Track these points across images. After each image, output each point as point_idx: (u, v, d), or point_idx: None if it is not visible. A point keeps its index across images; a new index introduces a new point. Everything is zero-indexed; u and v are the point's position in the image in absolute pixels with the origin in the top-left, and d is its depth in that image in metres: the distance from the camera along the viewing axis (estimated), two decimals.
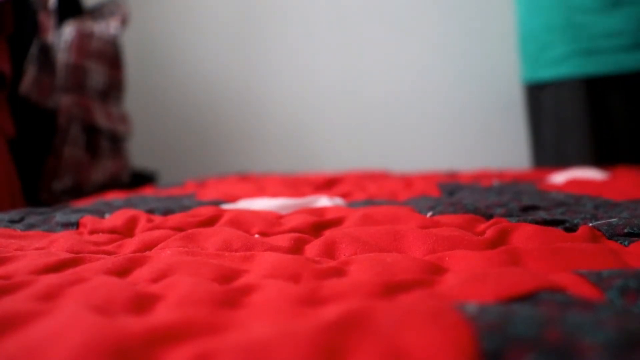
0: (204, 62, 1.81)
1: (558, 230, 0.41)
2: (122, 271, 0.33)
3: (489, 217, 0.51)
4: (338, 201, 0.66)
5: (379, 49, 1.72)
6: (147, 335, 0.20)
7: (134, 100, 1.81)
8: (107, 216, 0.56)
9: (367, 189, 0.81)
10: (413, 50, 1.70)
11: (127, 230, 0.50)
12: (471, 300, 0.25)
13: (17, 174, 1.07)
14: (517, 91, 1.62)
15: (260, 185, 0.90)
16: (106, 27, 1.34)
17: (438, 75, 1.69)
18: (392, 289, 0.27)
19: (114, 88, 1.37)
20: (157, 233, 0.45)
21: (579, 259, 0.33)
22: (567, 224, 0.44)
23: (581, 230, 0.40)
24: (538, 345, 0.18)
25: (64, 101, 1.22)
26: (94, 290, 0.27)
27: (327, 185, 0.92)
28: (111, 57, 1.34)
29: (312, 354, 0.18)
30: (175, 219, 0.51)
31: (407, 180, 0.93)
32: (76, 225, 0.53)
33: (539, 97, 1.26)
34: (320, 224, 0.48)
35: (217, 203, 0.66)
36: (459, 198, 0.64)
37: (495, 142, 1.66)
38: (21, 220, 0.57)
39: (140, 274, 0.33)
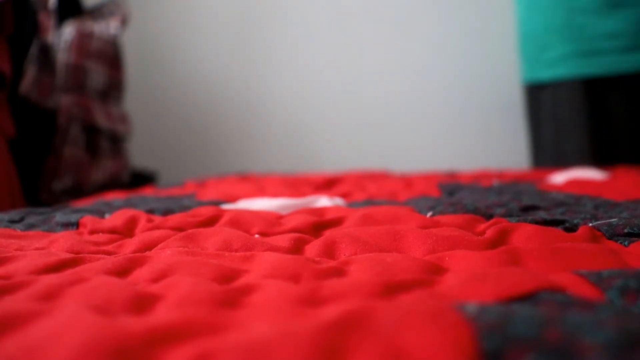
0: (204, 62, 1.81)
1: (558, 230, 0.41)
2: (122, 271, 0.33)
3: (489, 217, 0.51)
4: (338, 201, 0.66)
5: (379, 49, 1.72)
6: (147, 335, 0.20)
7: (134, 100, 1.81)
8: (107, 216, 0.56)
9: (367, 189, 0.81)
10: (413, 50, 1.70)
11: (127, 230, 0.50)
12: (471, 300, 0.25)
13: (17, 174, 1.07)
14: (517, 91, 1.62)
15: (260, 185, 0.90)
16: (106, 27, 1.34)
17: (438, 75, 1.69)
18: (392, 289, 0.27)
19: (114, 88, 1.37)
20: (157, 233, 0.45)
21: (579, 259, 0.33)
22: (567, 224, 0.44)
23: (581, 230, 0.40)
24: (538, 345, 0.18)
25: (64, 101, 1.22)
26: (94, 290, 0.27)
27: (327, 185, 0.92)
28: (111, 57, 1.34)
29: (312, 354, 0.18)
30: (175, 219, 0.51)
31: (407, 180, 0.93)
32: (76, 225, 0.53)
33: (539, 97, 1.26)
34: (320, 224, 0.48)
35: (217, 203, 0.66)
36: (459, 198, 0.64)
37: (495, 142, 1.66)
38: (21, 220, 0.57)
39: (140, 274, 0.33)
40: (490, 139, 1.66)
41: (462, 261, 0.34)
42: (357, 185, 0.87)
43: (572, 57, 1.17)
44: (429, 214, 0.53)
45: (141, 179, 1.54)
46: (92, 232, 0.50)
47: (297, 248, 0.41)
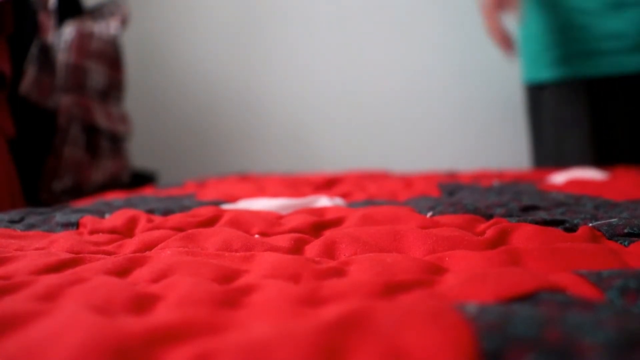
0: (204, 62, 1.81)
1: (558, 231, 0.41)
2: (122, 271, 0.33)
3: (489, 217, 0.51)
4: (338, 201, 0.66)
5: (379, 49, 1.72)
6: (147, 335, 0.20)
7: (134, 100, 1.81)
8: (107, 216, 0.56)
9: (367, 189, 0.81)
10: (413, 50, 1.70)
11: (127, 230, 0.50)
12: (471, 300, 0.25)
13: (17, 174, 1.07)
14: (518, 91, 1.63)
15: (260, 185, 0.90)
16: (106, 27, 1.34)
17: (438, 75, 1.69)
18: (392, 289, 0.27)
19: (114, 88, 1.37)
20: (157, 233, 0.45)
21: (579, 259, 0.33)
22: (567, 224, 0.44)
23: (581, 230, 0.40)
24: (538, 345, 0.18)
25: (64, 101, 1.22)
26: (94, 290, 0.27)
27: (327, 185, 0.92)
28: (111, 57, 1.34)
29: (312, 354, 0.18)
30: (175, 219, 0.51)
31: (407, 181, 0.93)
32: (76, 225, 0.53)
33: (540, 97, 1.26)
34: (320, 224, 0.48)
35: (217, 203, 0.66)
36: (459, 198, 0.64)
37: (495, 142, 1.66)
38: (21, 220, 0.57)
39: (140, 274, 0.33)
40: (491, 139, 1.66)
41: (462, 261, 0.34)
42: (357, 186, 0.87)
43: (573, 58, 1.17)
44: (429, 214, 0.53)
45: (141, 179, 1.54)
46: (92, 232, 0.50)
47: (297, 248, 0.41)
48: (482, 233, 0.44)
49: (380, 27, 1.72)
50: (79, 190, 1.23)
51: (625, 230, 0.39)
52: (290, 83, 1.76)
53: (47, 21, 1.20)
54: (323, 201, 0.64)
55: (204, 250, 0.39)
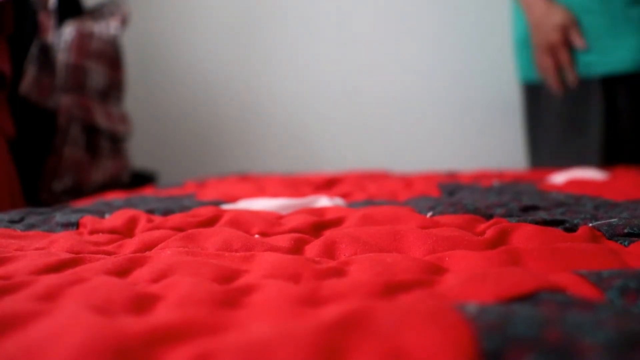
0: (204, 62, 1.81)
1: (558, 231, 0.41)
2: (122, 271, 0.33)
3: (489, 217, 0.51)
4: (338, 201, 0.66)
5: (379, 48, 1.72)
6: (147, 335, 0.20)
7: (134, 100, 1.81)
8: (107, 216, 0.56)
9: (367, 189, 0.81)
10: (413, 50, 1.70)
11: (127, 230, 0.50)
12: (471, 300, 0.25)
13: (17, 174, 1.07)
14: (517, 91, 1.62)
15: (260, 185, 0.90)
16: (106, 27, 1.34)
17: (438, 75, 1.69)
18: (392, 289, 0.27)
19: (114, 88, 1.37)
20: (157, 233, 0.45)
21: (579, 259, 0.33)
22: (567, 224, 0.44)
23: (581, 230, 0.40)
24: (538, 345, 0.18)
25: (64, 101, 1.22)
26: (94, 291, 0.27)
27: (327, 185, 0.92)
28: (111, 57, 1.34)
29: (312, 354, 0.18)
30: (175, 219, 0.51)
31: (407, 181, 0.93)
32: (76, 225, 0.53)
33: (538, 97, 1.26)
34: (320, 224, 0.48)
35: (217, 203, 0.66)
36: (459, 198, 0.64)
37: (495, 142, 1.66)
38: (21, 220, 0.57)
39: (140, 274, 0.33)
40: (490, 139, 1.66)
41: (462, 261, 0.34)
42: (357, 186, 0.87)
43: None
44: (429, 214, 0.53)
45: (141, 179, 1.54)
46: (92, 232, 0.50)
47: (297, 248, 0.41)
48: (482, 233, 0.44)
49: (380, 27, 1.72)
50: (79, 190, 1.23)
51: (625, 230, 0.39)
52: (290, 83, 1.76)
53: (47, 21, 1.20)
54: (323, 201, 0.64)
55: (204, 250, 0.40)
